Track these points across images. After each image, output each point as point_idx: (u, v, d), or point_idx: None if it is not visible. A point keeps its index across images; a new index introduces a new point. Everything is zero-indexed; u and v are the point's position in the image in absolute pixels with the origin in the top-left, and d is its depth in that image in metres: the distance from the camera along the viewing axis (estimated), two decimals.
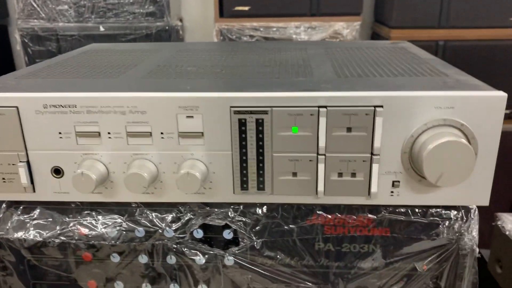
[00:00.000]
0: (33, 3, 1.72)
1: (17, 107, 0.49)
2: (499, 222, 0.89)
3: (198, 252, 0.55)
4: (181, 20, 1.87)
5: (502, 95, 0.47)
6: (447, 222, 0.52)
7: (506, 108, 0.47)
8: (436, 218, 0.52)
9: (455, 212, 0.52)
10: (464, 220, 0.52)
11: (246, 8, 1.77)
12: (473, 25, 1.67)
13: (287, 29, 1.78)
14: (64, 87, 0.52)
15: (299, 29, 1.80)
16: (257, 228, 0.54)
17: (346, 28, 1.77)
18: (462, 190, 0.50)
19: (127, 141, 0.50)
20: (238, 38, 1.76)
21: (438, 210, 0.52)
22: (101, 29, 1.75)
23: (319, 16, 1.76)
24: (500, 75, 1.52)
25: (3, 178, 0.52)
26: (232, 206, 0.54)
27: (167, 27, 1.76)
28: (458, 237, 0.52)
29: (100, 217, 0.55)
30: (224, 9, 1.78)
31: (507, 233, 0.85)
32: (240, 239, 0.54)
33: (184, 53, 0.74)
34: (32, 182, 0.52)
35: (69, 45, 1.74)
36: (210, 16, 1.88)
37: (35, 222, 0.55)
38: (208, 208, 0.54)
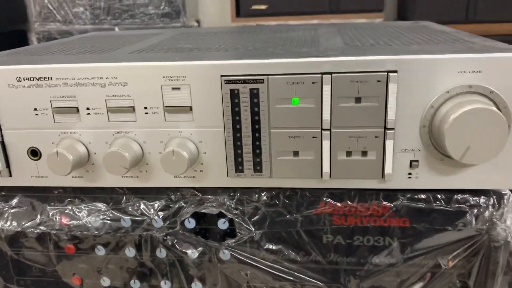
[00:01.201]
0: (50, 6, 1.71)
1: None
2: None
3: (190, 245, 0.49)
4: (198, 21, 1.84)
5: None
6: (476, 209, 0.45)
7: None
8: (462, 205, 0.45)
9: (485, 198, 0.45)
10: (496, 207, 0.44)
11: (263, 7, 1.73)
12: (502, 19, 1.58)
13: None
14: (41, 61, 0.47)
15: None
16: (256, 217, 0.48)
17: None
18: (492, 170, 0.42)
19: (108, 118, 0.45)
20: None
21: (465, 195, 0.45)
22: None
23: (339, 13, 1.70)
24: None
25: None
26: (227, 193, 0.48)
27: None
28: (489, 227, 0.44)
29: (83, 205, 0.50)
30: (241, 8, 1.74)
31: None
32: (237, 230, 0.48)
33: (185, 35, 0.69)
34: (8, 165, 0.48)
35: None
36: (227, 15, 1.84)
37: (13, 210, 0.50)
38: (200, 194, 0.48)
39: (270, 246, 0.48)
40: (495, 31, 1.57)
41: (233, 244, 0.48)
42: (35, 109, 0.45)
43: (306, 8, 1.72)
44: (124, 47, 0.57)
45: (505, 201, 0.44)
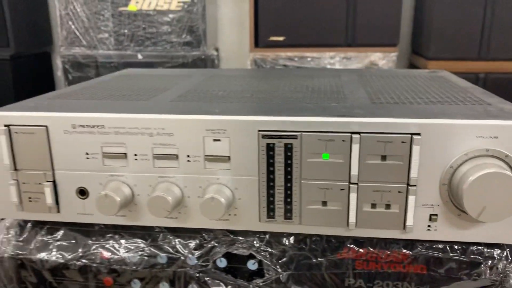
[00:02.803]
0: (76, 32, 1.78)
1: (46, 126, 0.49)
2: None
3: (221, 283, 0.53)
4: (217, 50, 1.90)
5: None
6: (490, 261, 0.48)
7: None
8: (477, 257, 0.48)
9: (499, 251, 0.48)
10: (509, 260, 0.48)
11: (281, 38, 1.78)
12: None
13: (322, 59, 1.77)
14: (93, 108, 0.52)
15: (333, 59, 1.79)
16: (283, 259, 0.51)
17: (382, 59, 1.75)
18: (506, 226, 0.46)
19: (153, 163, 0.49)
20: (272, 67, 1.77)
21: (480, 247, 0.48)
22: (139, 57, 1.79)
23: (355, 46, 1.75)
24: None
25: (29, 198, 0.52)
26: (257, 235, 0.52)
27: (203, 56, 1.78)
28: (502, 279, 0.48)
29: (123, 240, 0.54)
30: (260, 39, 1.79)
31: None
32: (265, 271, 0.52)
33: (215, 78, 0.73)
34: (57, 202, 0.52)
35: (107, 72, 1.78)
36: (245, 45, 1.90)
37: (58, 243, 0.54)
38: (232, 236, 0.52)
39: (296, 287, 0.52)
40: (506, 69, 1.61)
41: (261, 284, 0.52)
42: (87, 153, 0.50)
43: (322, 40, 1.77)
44: (163, 92, 0.61)
45: None
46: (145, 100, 0.57)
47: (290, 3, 1.70)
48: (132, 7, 1.74)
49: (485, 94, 0.57)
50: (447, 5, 1.59)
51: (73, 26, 1.77)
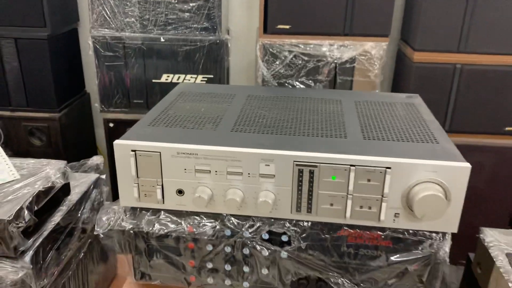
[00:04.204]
0: (105, 15, 2.01)
1: (159, 152, 0.79)
2: (481, 235, 1.16)
3: (264, 248, 0.84)
4: (228, 31, 2.14)
5: (467, 166, 0.74)
6: (430, 240, 0.80)
7: None
8: (423, 237, 0.80)
9: (436, 234, 0.80)
10: (441, 240, 0.80)
11: (287, 27, 2.03)
12: (491, 51, 1.84)
13: (322, 46, 2.03)
14: (186, 139, 0.81)
15: (332, 47, 2.04)
16: (303, 235, 0.83)
17: (374, 48, 2.01)
18: (442, 221, 0.78)
19: (226, 177, 0.79)
20: (278, 52, 2.02)
21: (426, 233, 0.80)
22: (162, 40, 2.03)
23: (351, 36, 2.00)
24: None
25: (145, 194, 0.82)
26: (288, 220, 0.83)
27: (218, 41, 2.03)
28: (436, 251, 0.80)
29: (203, 220, 0.85)
30: (268, 26, 2.03)
31: (485, 244, 1.12)
32: (292, 241, 0.83)
33: (253, 102, 1.02)
34: (163, 197, 0.82)
35: (133, 52, 2.03)
36: (254, 29, 2.14)
37: (161, 221, 0.85)
38: (272, 219, 0.83)
39: (310, 252, 0.84)
40: (483, 61, 1.87)
41: (289, 249, 0.84)
42: (185, 169, 0.80)
43: (323, 29, 2.01)
44: (221, 120, 0.90)
45: (446, 237, 0.80)
46: (213, 129, 0.86)
47: None
48: None
49: (438, 131, 0.87)
50: (434, 1, 1.81)
51: (102, 11, 2.00)
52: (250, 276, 0.87)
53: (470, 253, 1.27)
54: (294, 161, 0.77)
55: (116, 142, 0.80)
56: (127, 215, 0.86)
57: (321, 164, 0.76)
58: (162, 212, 0.85)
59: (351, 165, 0.75)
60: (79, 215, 1.11)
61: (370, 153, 0.76)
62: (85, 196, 1.20)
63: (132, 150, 0.79)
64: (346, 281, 0.85)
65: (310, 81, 1.99)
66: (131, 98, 1.98)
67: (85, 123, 2.19)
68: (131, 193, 0.82)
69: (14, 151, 1.92)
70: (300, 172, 0.77)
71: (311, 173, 0.77)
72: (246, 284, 0.88)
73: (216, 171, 0.79)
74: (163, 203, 0.83)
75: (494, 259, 1.07)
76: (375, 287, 0.85)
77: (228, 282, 0.88)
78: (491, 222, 1.77)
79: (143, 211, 0.86)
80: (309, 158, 0.76)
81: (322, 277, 0.86)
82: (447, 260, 0.80)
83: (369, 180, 0.76)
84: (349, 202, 0.78)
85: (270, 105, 1.00)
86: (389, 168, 0.75)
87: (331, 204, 0.79)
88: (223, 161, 0.78)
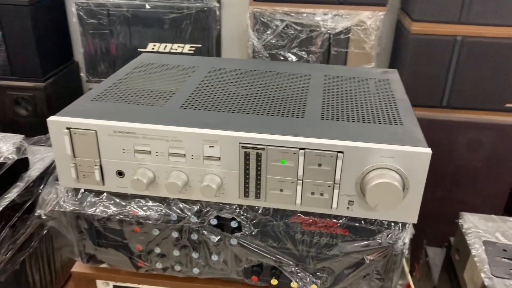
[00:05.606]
0: None
1: (95, 131, 0.73)
2: (460, 220, 1.09)
3: (212, 233, 0.79)
4: (218, 1, 2.04)
5: (428, 151, 0.67)
6: (388, 230, 0.74)
7: None
8: (380, 227, 0.74)
9: (394, 225, 0.74)
10: (399, 231, 0.74)
11: None
12: (493, 22, 1.73)
13: (316, 15, 1.92)
14: (126, 117, 0.75)
15: (326, 16, 1.94)
16: (254, 221, 0.77)
17: (370, 18, 1.90)
18: (399, 211, 0.71)
19: (169, 159, 0.73)
20: (269, 21, 1.93)
21: (383, 221, 0.74)
22: (147, 7, 1.95)
23: (347, 4, 1.89)
24: None
25: (84, 174, 0.77)
26: (238, 205, 0.77)
27: (205, 8, 1.94)
28: (394, 242, 0.74)
29: (148, 203, 0.79)
30: None
31: (463, 230, 1.06)
32: (242, 228, 0.78)
33: (213, 76, 0.95)
34: (102, 178, 0.77)
35: (118, 20, 1.95)
36: None
37: (103, 203, 0.80)
38: (221, 204, 0.77)
39: (262, 238, 0.78)
40: (484, 34, 1.76)
41: (239, 236, 0.78)
42: (123, 149, 0.74)
43: None
44: (171, 96, 0.84)
45: (406, 228, 0.73)
46: (160, 105, 0.79)
47: None
48: None
49: (406, 112, 0.80)
50: None
51: None
52: (200, 262, 0.82)
53: (451, 237, 1.21)
54: (240, 142, 0.70)
55: (50, 118, 0.74)
56: (69, 196, 0.81)
57: (269, 147, 0.69)
58: (105, 194, 0.80)
59: (301, 148, 0.69)
60: (40, 191, 1.07)
61: (324, 135, 0.70)
62: (47, 171, 1.15)
63: (67, 128, 0.73)
64: (300, 270, 0.80)
65: (303, 53, 1.90)
66: (117, 67, 1.91)
67: (74, 93, 2.13)
68: (69, 174, 0.77)
69: (1, 121, 1.88)
70: (247, 155, 0.71)
71: (259, 156, 0.70)
72: (196, 270, 0.83)
73: (157, 152, 0.73)
74: (103, 184, 0.77)
75: (470, 247, 1.01)
76: (331, 277, 0.80)
77: (178, 267, 0.84)
78: (490, 201, 1.71)
79: (86, 192, 0.81)
80: (256, 140, 0.70)
81: (275, 265, 0.80)
82: (406, 252, 0.74)
83: (320, 165, 0.69)
84: (299, 188, 0.71)
85: (232, 79, 0.92)
86: (341, 152, 0.68)
87: (281, 190, 0.72)
88: (164, 141, 0.72)
